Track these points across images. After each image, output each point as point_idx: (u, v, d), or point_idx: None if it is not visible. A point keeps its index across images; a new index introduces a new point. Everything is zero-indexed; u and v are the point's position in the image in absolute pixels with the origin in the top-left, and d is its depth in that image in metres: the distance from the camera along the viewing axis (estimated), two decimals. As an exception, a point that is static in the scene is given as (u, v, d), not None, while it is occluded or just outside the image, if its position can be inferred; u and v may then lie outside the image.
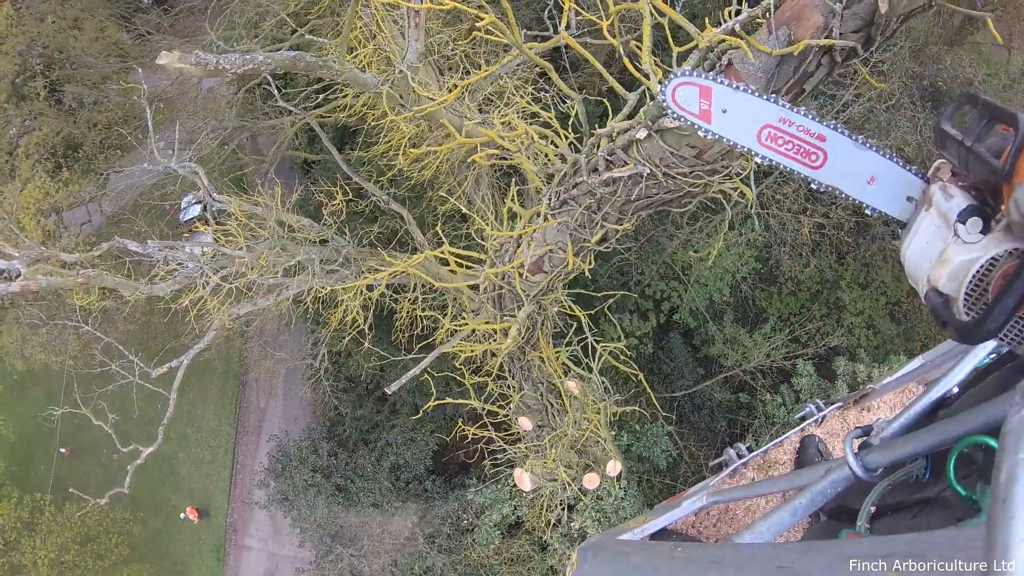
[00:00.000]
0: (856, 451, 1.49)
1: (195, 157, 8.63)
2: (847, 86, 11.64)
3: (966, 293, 1.34)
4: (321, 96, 8.25)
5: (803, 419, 3.13)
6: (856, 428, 1.61)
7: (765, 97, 2.02)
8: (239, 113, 12.46)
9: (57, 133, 13.09)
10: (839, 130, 1.90)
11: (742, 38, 2.51)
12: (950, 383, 1.77)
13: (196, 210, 15.57)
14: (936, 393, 1.74)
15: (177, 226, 15.71)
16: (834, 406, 3.12)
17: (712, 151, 3.11)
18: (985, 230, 1.35)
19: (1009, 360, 1.58)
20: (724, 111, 2.13)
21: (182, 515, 15.55)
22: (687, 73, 2.20)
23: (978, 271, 1.33)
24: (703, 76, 2.17)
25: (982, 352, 1.77)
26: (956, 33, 12.88)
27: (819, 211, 12.29)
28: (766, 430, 11.31)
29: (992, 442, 1.22)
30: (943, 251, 1.40)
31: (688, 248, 11.99)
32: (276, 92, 7.85)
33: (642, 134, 3.06)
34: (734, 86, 2.10)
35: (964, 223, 1.37)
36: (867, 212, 1.85)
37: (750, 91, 2.06)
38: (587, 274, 4.49)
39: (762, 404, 11.76)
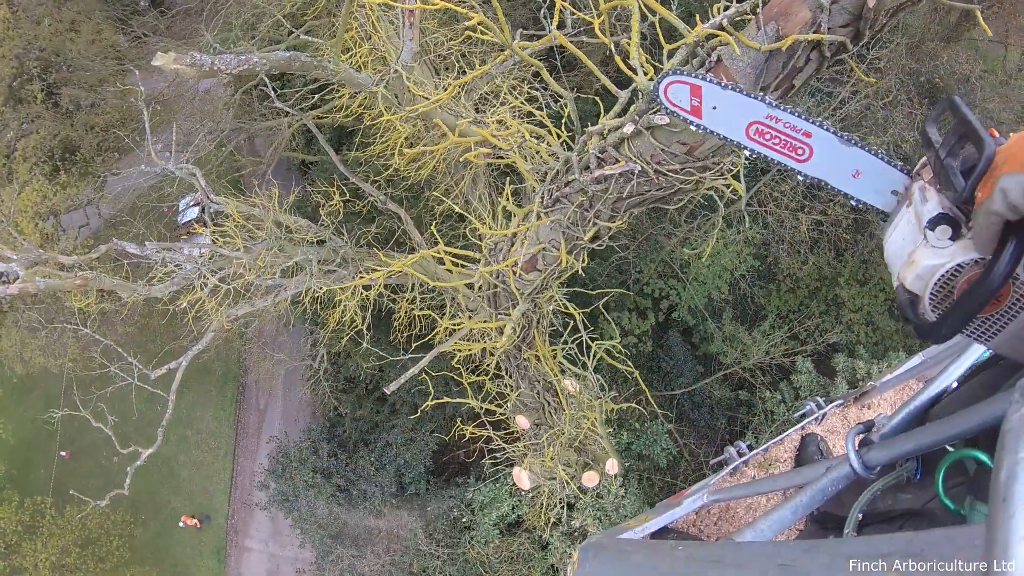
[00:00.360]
0: (857, 448, 1.49)
1: (192, 159, 8.60)
2: (844, 83, 11.66)
3: (931, 294, 1.37)
4: (316, 96, 8.23)
5: (803, 417, 3.14)
6: (858, 424, 1.61)
7: (752, 95, 2.09)
8: (236, 115, 12.45)
9: (54, 136, 13.07)
10: (824, 127, 1.96)
11: (730, 34, 2.53)
12: (950, 378, 1.78)
13: (194, 212, 15.56)
14: (935, 388, 1.75)
15: (175, 228, 15.71)
16: (834, 404, 3.13)
17: (703, 148, 3.11)
18: (955, 236, 1.37)
19: (1001, 358, 1.59)
20: (714, 108, 2.21)
21: (181, 524, 15.54)
22: (678, 72, 2.27)
23: (942, 276, 1.35)
24: (693, 75, 2.24)
25: (981, 348, 1.77)
26: (953, 29, 12.90)
27: (817, 208, 12.30)
28: (766, 427, 11.32)
29: (983, 456, 1.22)
30: (912, 252, 1.43)
31: (686, 246, 12.00)
32: (272, 93, 7.84)
33: (629, 129, 3.06)
34: (722, 84, 2.17)
35: (933, 230, 1.39)
36: (852, 203, 1.90)
37: (737, 90, 2.13)
38: (582, 272, 4.50)
39: (762, 401, 11.77)
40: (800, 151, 2.00)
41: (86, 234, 14.73)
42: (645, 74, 2.88)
